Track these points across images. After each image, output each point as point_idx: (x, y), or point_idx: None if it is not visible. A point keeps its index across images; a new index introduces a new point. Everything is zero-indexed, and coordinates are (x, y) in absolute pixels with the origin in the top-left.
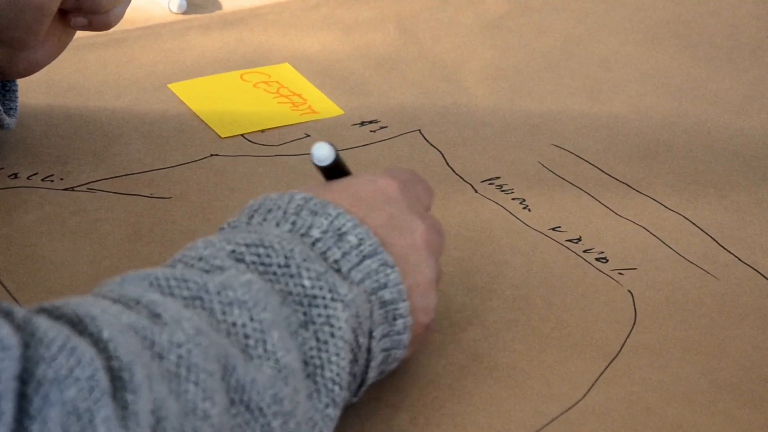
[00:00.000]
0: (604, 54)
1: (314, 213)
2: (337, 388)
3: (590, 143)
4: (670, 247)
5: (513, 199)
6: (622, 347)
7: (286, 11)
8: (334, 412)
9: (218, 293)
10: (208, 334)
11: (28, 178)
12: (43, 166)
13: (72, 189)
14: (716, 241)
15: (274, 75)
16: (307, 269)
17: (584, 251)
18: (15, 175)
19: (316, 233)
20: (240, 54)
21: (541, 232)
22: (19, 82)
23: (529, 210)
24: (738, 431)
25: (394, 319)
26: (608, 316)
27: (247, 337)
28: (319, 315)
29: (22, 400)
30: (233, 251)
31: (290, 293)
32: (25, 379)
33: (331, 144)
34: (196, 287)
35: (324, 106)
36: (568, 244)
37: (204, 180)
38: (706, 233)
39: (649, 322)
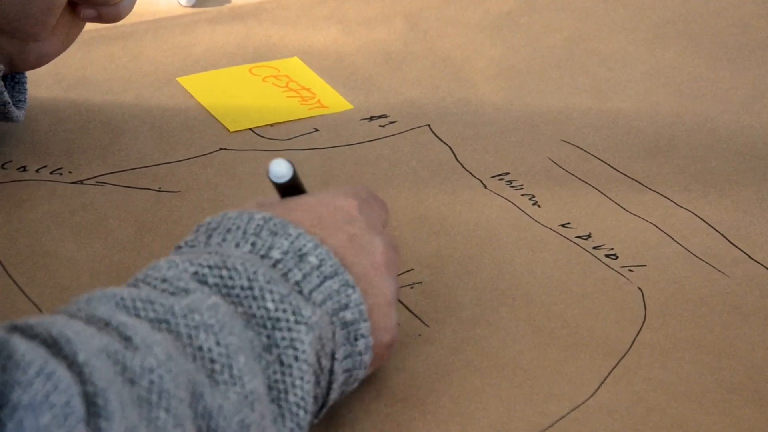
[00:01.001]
0: (611, 51)
1: (274, 233)
2: (302, 412)
3: (599, 140)
4: (680, 244)
5: (522, 195)
6: (631, 345)
7: (295, 5)
8: None
9: (184, 316)
10: (177, 360)
11: (36, 171)
12: (52, 160)
13: (80, 182)
14: (726, 238)
15: (283, 69)
16: (271, 291)
17: (594, 248)
18: (23, 168)
19: (276, 254)
20: (249, 48)
21: (550, 229)
22: (28, 74)
23: (539, 206)
24: (747, 430)
25: (356, 339)
26: (618, 313)
27: (213, 361)
28: (283, 338)
29: None
30: (196, 273)
31: (254, 316)
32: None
33: (289, 161)
34: (163, 309)
35: (333, 100)
36: (578, 240)
37: (212, 174)
38: (716, 230)
39: (658, 320)
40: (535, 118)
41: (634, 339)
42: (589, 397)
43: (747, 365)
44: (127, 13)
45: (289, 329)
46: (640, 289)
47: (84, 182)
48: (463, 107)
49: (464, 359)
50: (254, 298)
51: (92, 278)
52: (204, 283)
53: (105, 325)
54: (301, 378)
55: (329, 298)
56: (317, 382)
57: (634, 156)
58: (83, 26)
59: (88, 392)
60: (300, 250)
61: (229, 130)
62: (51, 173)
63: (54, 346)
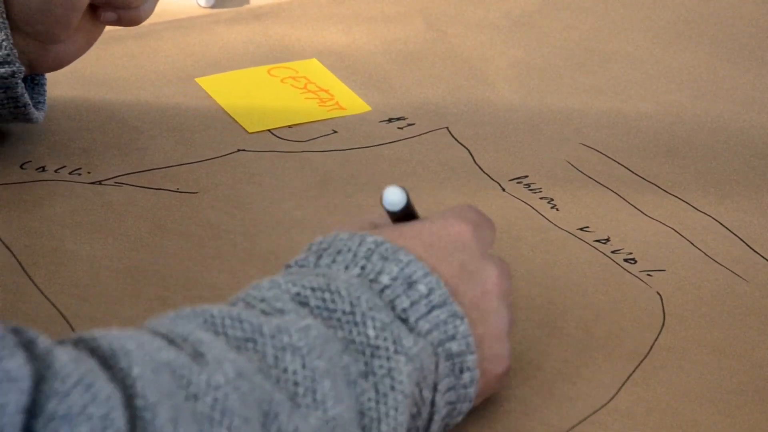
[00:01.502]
0: (632, 51)
1: (385, 258)
2: None
3: (618, 142)
4: (699, 249)
5: (541, 198)
6: (650, 349)
7: (313, 5)
8: None
9: (272, 337)
10: (251, 379)
11: (55, 171)
12: (71, 160)
13: (99, 183)
14: (745, 243)
15: (301, 70)
16: (373, 318)
17: (612, 252)
18: (42, 168)
19: (385, 280)
20: (267, 48)
21: (569, 232)
22: (47, 75)
23: (557, 209)
24: None
25: (461, 371)
26: (636, 317)
27: (296, 384)
28: (381, 366)
29: None
30: (298, 294)
31: (353, 341)
32: (35, 413)
33: (403, 188)
34: (251, 329)
35: (351, 102)
36: (597, 244)
37: (231, 175)
38: (735, 235)
39: (677, 324)
40: (554, 120)
41: (653, 343)
42: (609, 401)
43: (765, 373)
44: (147, 17)
45: (388, 358)
46: (658, 293)
47: (102, 183)
48: (481, 109)
49: None
50: (355, 323)
51: (110, 278)
52: (305, 304)
53: (182, 340)
54: (396, 408)
55: (436, 327)
56: (417, 414)
57: (653, 159)
58: (103, 29)
59: (137, 406)
60: (410, 277)
61: (247, 131)
62: (70, 173)
63: (111, 358)
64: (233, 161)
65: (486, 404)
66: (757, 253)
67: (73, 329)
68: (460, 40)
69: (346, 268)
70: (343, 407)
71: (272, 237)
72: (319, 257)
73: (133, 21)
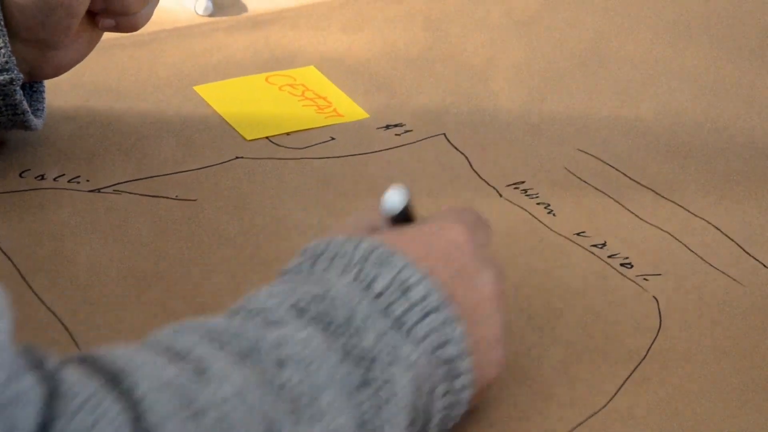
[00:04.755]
0: (635, 53)
1: (380, 263)
2: None
3: (617, 147)
4: (695, 253)
5: (538, 203)
6: (646, 354)
7: (311, 13)
8: None
9: (272, 349)
10: (253, 393)
11: (54, 179)
12: (70, 168)
13: (98, 191)
14: (741, 248)
15: (299, 78)
16: (370, 328)
17: (609, 257)
18: (42, 177)
19: (380, 285)
20: (265, 56)
21: (565, 237)
22: (46, 83)
23: (554, 215)
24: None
25: (456, 376)
26: (633, 322)
27: (297, 397)
28: (379, 376)
29: None
30: (295, 304)
31: (351, 351)
32: None
33: (404, 190)
34: (251, 342)
35: (349, 109)
36: (593, 249)
37: (230, 182)
38: (732, 239)
39: (674, 329)
40: (552, 126)
41: (650, 347)
42: (606, 404)
43: (764, 373)
44: (145, 23)
45: (386, 367)
46: (655, 298)
47: (101, 190)
48: (479, 116)
49: None
50: (352, 333)
51: (110, 285)
52: (302, 314)
53: (184, 356)
54: (395, 417)
55: (431, 333)
56: (414, 420)
57: (652, 161)
58: (101, 35)
59: (143, 426)
60: (404, 282)
61: (245, 139)
62: (69, 181)
63: (116, 378)
64: (232, 168)
65: (484, 408)
66: (754, 258)
67: (72, 337)
68: (459, 43)
69: (342, 273)
70: (344, 418)
71: (272, 243)
72: (314, 262)
73: (131, 27)
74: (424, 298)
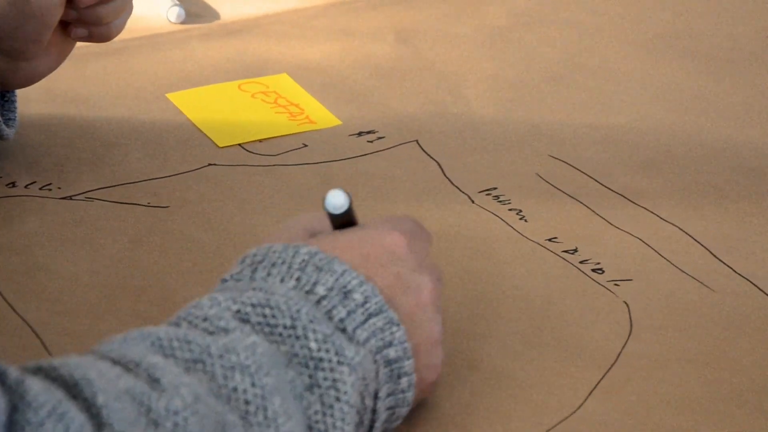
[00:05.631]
0: (604, 66)
1: (319, 269)
2: None
3: (588, 155)
4: (666, 259)
5: (510, 209)
6: (617, 357)
7: (284, 21)
8: None
9: (220, 357)
10: (206, 401)
11: (26, 186)
12: (41, 175)
13: (70, 198)
14: (711, 253)
15: (272, 85)
16: (314, 331)
17: (580, 262)
18: (13, 184)
19: (321, 290)
20: (238, 64)
21: (537, 243)
22: (18, 91)
23: (526, 221)
24: None
25: (399, 377)
26: (604, 326)
27: (247, 403)
28: (325, 378)
29: None
30: (238, 311)
31: (296, 355)
32: None
33: (346, 192)
34: (199, 350)
35: (322, 116)
36: (565, 254)
37: (202, 189)
38: (702, 245)
39: (644, 333)
40: (524, 132)
41: (620, 351)
42: (578, 408)
43: (733, 377)
44: (118, 33)
45: (332, 369)
46: (626, 303)
47: (73, 198)
48: (452, 123)
49: (454, 371)
50: (297, 337)
51: (82, 294)
52: (246, 321)
53: (135, 365)
54: (342, 419)
55: (373, 335)
56: (360, 422)
57: (622, 170)
58: (74, 45)
59: None
60: (345, 287)
61: (218, 146)
62: (40, 189)
63: (74, 387)
64: (204, 175)
65: (456, 413)
66: (724, 263)
67: (45, 346)
68: (431, 54)
69: (282, 280)
70: (293, 423)
71: (244, 250)
72: (254, 270)
73: (104, 37)
74: (365, 301)
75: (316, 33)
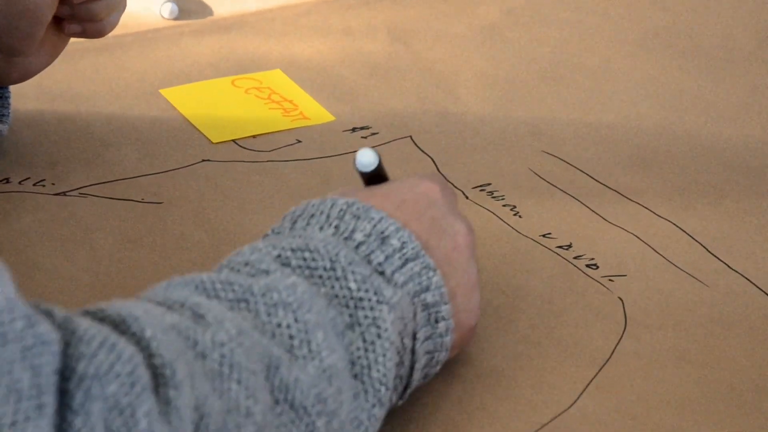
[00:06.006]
0: (597, 63)
1: (357, 217)
2: (383, 388)
3: (582, 151)
4: (661, 255)
5: (504, 205)
6: (612, 354)
7: (278, 17)
8: (380, 412)
9: (263, 295)
10: (251, 335)
11: (19, 182)
12: (35, 171)
13: (64, 194)
14: (706, 249)
15: (265, 81)
16: (353, 272)
17: (575, 258)
18: (6, 180)
19: (359, 237)
20: (232, 60)
21: (531, 239)
22: (12, 88)
23: (520, 216)
24: None
25: (437, 321)
26: (598, 322)
27: (291, 337)
28: (366, 317)
29: (65, 395)
30: (279, 256)
31: (336, 296)
32: (67, 375)
33: (375, 150)
34: (241, 290)
35: (315, 112)
36: (559, 250)
37: (196, 185)
38: (696, 241)
39: (639, 329)
40: (518, 129)
41: (615, 348)
42: (571, 405)
43: (728, 374)
44: (112, 29)
45: (371, 308)
46: (620, 298)
47: (67, 194)
48: (445, 119)
49: (446, 368)
50: (337, 278)
51: (76, 290)
52: (287, 265)
53: (180, 306)
54: (384, 355)
55: (411, 279)
56: (400, 362)
57: (617, 167)
58: (68, 41)
59: (155, 364)
60: (382, 232)
61: (212, 142)
62: (34, 185)
63: (122, 324)
64: (198, 171)
65: (449, 409)
66: (718, 259)
67: None
68: (424, 52)
69: (321, 229)
70: (337, 356)
71: (238, 246)
72: (294, 222)
73: (97, 33)
74: (402, 247)
75: (310, 29)
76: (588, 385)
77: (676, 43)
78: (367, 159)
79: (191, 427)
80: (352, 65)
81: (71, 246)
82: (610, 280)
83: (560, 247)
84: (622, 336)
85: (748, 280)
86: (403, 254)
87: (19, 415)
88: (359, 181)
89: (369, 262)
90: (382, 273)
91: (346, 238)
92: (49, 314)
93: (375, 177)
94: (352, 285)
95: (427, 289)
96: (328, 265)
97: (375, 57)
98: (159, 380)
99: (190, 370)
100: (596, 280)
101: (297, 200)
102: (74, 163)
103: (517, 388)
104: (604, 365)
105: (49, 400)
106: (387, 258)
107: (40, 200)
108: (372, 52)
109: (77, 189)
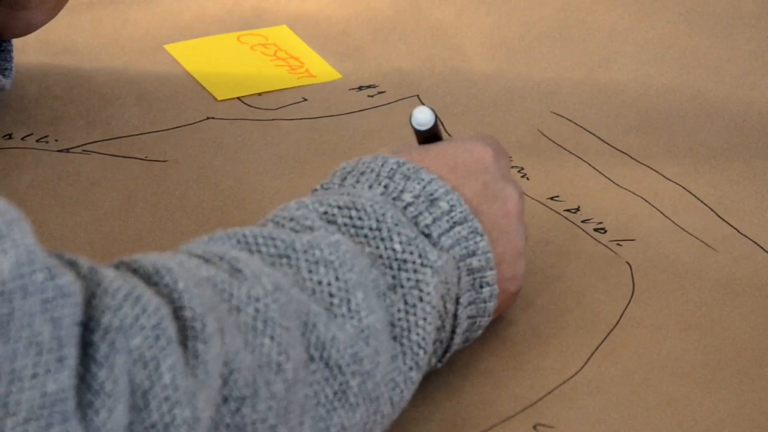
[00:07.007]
0: (605, 23)
1: (407, 177)
2: (421, 351)
3: (590, 112)
4: (669, 219)
5: (512, 167)
6: (619, 319)
7: None
8: (417, 376)
9: (305, 252)
10: (288, 291)
11: (22, 138)
12: (38, 127)
13: (67, 150)
14: (715, 213)
15: (271, 37)
16: (399, 234)
17: (582, 221)
18: (9, 136)
19: (408, 197)
20: (237, 15)
21: (539, 201)
22: (14, 41)
23: (528, 179)
24: (735, 406)
25: (481, 286)
26: (606, 287)
27: (331, 295)
28: (408, 279)
29: (90, 347)
30: (325, 213)
31: (380, 256)
32: (92, 327)
33: (432, 109)
34: (284, 245)
35: (322, 69)
36: (567, 213)
37: (200, 143)
38: (706, 204)
39: (646, 294)
40: (526, 89)
41: (622, 313)
42: (577, 372)
43: (736, 340)
44: None
45: (415, 271)
46: (628, 263)
47: (70, 150)
48: (453, 78)
49: None
50: (382, 239)
51: (79, 248)
52: (333, 222)
53: (219, 259)
54: (424, 318)
55: (457, 243)
56: (441, 326)
57: (625, 129)
58: None
59: (186, 317)
60: (431, 194)
61: (216, 99)
62: (37, 141)
63: (155, 275)
64: (202, 129)
65: (455, 376)
66: (728, 223)
67: None
68: (432, 10)
69: (370, 187)
70: (376, 317)
71: (242, 206)
72: (344, 179)
73: None
74: (450, 209)
75: None
76: (594, 351)
77: (684, 2)
78: (423, 117)
79: (219, 381)
80: (360, 22)
81: (74, 204)
82: (618, 244)
83: (568, 210)
84: (629, 301)
85: (757, 244)
86: (451, 217)
87: (40, 367)
88: (369, 141)
89: (416, 223)
90: (428, 235)
91: (394, 198)
92: (73, 265)
93: (431, 136)
94: (397, 246)
95: (473, 253)
96: (374, 225)
97: (382, 14)
98: (188, 333)
99: (221, 324)
100: (604, 245)
101: (302, 160)
102: (78, 119)
103: (523, 355)
104: (611, 331)
105: (71, 353)
106: (435, 220)
107: (42, 156)
108: (379, 9)
109: (80, 146)
